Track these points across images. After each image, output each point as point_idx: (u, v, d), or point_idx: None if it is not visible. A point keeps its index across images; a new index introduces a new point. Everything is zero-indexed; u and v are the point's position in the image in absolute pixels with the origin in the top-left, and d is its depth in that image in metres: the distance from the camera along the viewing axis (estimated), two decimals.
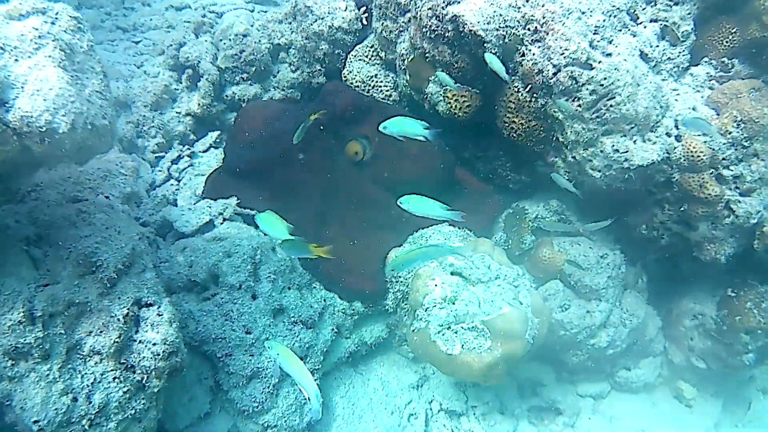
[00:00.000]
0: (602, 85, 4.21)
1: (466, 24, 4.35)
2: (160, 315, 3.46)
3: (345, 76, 5.88)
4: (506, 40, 4.42)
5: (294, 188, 5.08)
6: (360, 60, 5.86)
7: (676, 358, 5.65)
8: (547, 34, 4.31)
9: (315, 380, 4.43)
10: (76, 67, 2.86)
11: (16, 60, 2.65)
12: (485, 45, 4.37)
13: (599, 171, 4.45)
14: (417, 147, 4.78)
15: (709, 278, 5.33)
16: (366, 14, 6.02)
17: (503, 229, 5.39)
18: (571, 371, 5.48)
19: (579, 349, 5.17)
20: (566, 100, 4.31)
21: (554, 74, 4.30)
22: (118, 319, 3.27)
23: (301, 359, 4.32)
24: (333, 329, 4.76)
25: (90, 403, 3.17)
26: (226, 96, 6.18)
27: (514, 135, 4.76)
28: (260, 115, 5.62)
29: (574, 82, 4.24)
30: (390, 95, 5.73)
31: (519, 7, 4.40)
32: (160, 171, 5.75)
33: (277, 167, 5.19)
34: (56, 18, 2.86)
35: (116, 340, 3.24)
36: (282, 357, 3.53)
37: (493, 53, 4.37)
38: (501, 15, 4.38)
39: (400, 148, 4.92)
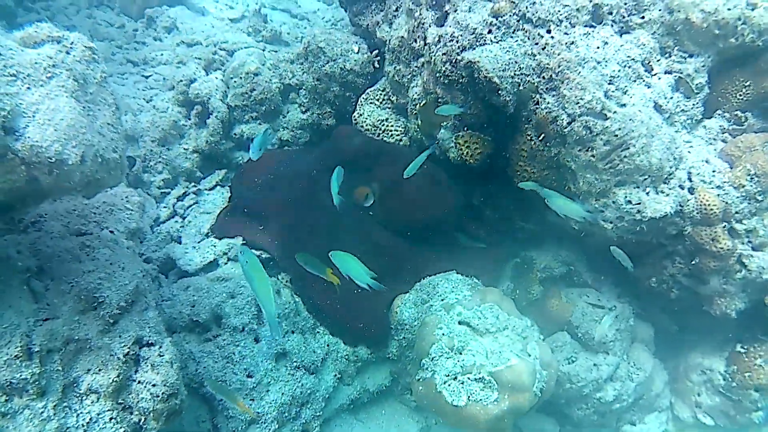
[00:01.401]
0: (616, 135, 4.16)
1: (481, 70, 4.31)
2: (161, 355, 3.38)
3: (355, 119, 5.84)
4: (521, 88, 4.39)
5: (300, 231, 5.02)
6: (371, 103, 5.82)
7: (682, 413, 5.53)
8: (562, 82, 4.28)
9: (315, 427, 4.37)
10: (88, 98, 2.81)
11: (29, 88, 2.59)
12: (499, 92, 4.32)
13: (611, 222, 4.39)
14: (427, 191, 4.78)
15: (718, 333, 5.23)
16: (378, 58, 6.01)
17: (510, 278, 5.32)
18: (576, 425, 5.36)
19: (585, 402, 5.07)
20: (580, 150, 4.26)
21: (569, 123, 4.25)
22: (118, 358, 3.19)
23: (303, 404, 4.26)
24: (336, 375, 4.68)
25: None
26: (235, 134, 6.15)
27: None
28: (267, 158, 5.56)
29: (588, 131, 4.19)
30: (400, 140, 5.67)
31: (534, 55, 4.37)
32: (165, 207, 5.69)
33: (283, 210, 5.13)
34: (71, 47, 2.81)
35: (115, 379, 3.16)
36: (250, 268, 3.38)
37: (507, 100, 4.34)
38: (516, 62, 4.35)
39: (410, 192, 4.92)
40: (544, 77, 4.35)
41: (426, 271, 4.94)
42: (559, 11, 4.40)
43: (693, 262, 4.62)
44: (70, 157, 2.54)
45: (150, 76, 7.00)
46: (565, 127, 4.27)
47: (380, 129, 5.70)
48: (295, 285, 4.88)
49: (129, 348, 3.23)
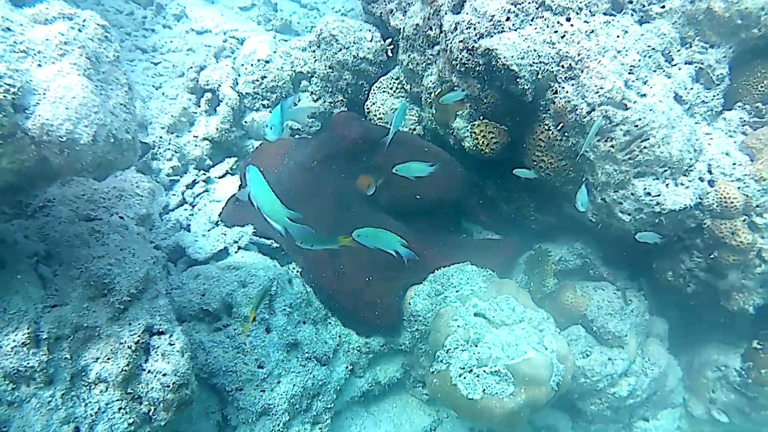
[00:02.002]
0: (637, 126, 4.09)
1: (499, 58, 4.23)
2: (171, 344, 3.30)
3: (368, 108, 5.78)
4: (539, 77, 4.30)
5: (306, 222, 4.93)
6: (384, 92, 5.75)
7: (696, 410, 5.46)
8: (582, 71, 4.20)
9: (326, 419, 4.30)
10: (101, 77, 2.72)
11: (39, 65, 2.50)
12: (518, 80, 4.24)
13: (629, 214, 4.31)
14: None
15: (734, 329, 5.14)
16: (391, 46, 5.96)
17: (524, 271, 5.24)
18: (588, 420, 5.28)
19: (598, 397, 4.99)
20: (599, 140, 4.18)
21: (588, 113, 4.17)
22: (128, 347, 3.11)
23: (314, 396, 4.20)
24: (347, 367, 4.61)
25: None
26: (245, 122, 6.09)
27: (543, 174, 4.63)
28: (275, 147, 5.47)
29: (608, 121, 4.12)
30: (414, 129, 5.60)
31: (554, 43, 4.29)
32: (174, 195, 5.62)
33: (289, 201, 5.04)
34: (83, 25, 2.72)
35: (124, 368, 3.09)
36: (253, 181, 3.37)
37: (525, 89, 4.26)
38: (535, 50, 4.26)
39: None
40: (563, 66, 4.27)
41: (436, 262, 4.86)
42: None
43: (711, 256, 4.54)
44: (81, 137, 2.45)
45: (159, 63, 6.92)
46: (585, 117, 4.19)
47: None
48: (306, 275, 4.81)
49: (139, 336, 3.16)
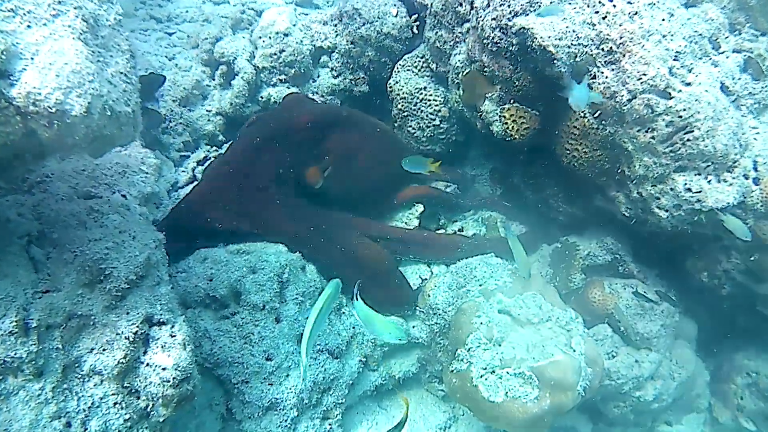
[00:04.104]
0: (681, 116, 3.83)
1: (535, 38, 3.99)
2: (173, 336, 3.08)
3: (391, 87, 5.56)
4: (577, 59, 4.04)
5: (234, 198, 4.70)
6: (408, 70, 5.52)
7: (722, 416, 5.24)
8: (624, 56, 3.94)
9: (337, 414, 4.11)
10: (98, 42, 2.43)
11: (29, 26, 2.21)
12: (554, 62, 3.98)
13: (666, 210, 4.07)
14: (382, 153, 5.02)
15: (766, 334, 4.92)
16: (417, 22, 5.76)
17: (550, 264, 5.01)
18: (610, 423, 5.09)
19: (623, 400, 4.78)
20: (639, 130, 3.92)
21: (629, 101, 3.92)
22: (126, 337, 2.90)
23: (325, 391, 4.02)
24: (360, 360, 4.40)
25: (85, 429, 2.80)
26: (261, 97, 5.90)
27: (575, 164, 4.39)
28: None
29: (650, 111, 3.86)
30: (439, 110, 5.39)
31: (594, 25, 4.02)
32: (184, 171, 5.43)
33: (227, 173, 4.79)
34: None
35: (121, 360, 2.87)
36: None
37: (562, 72, 4.00)
38: (574, 31, 4.01)
39: (365, 159, 5.00)
40: (603, 49, 4.02)
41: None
42: None
43: (751, 258, 4.32)
44: (73, 108, 2.15)
45: (174, 33, 6.72)
46: (625, 105, 3.94)
47: (417, 98, 5.43)
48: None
49: (137, 327, 2.95)
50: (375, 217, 5.12)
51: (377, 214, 5.20)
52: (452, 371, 4.00)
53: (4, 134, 2.16)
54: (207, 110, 5.85)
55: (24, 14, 2.21)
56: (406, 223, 5.09)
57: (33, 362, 2.67)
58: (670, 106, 3.84)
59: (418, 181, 5.39)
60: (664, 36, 3.96)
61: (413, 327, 4.65)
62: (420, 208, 5.14)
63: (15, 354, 2.62)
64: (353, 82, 5.96)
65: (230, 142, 5.20)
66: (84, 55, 2.22)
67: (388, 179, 5.22)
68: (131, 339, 2.90)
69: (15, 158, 2.39)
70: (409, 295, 4.75)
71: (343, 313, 4.51)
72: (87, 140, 2.23)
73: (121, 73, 2.45)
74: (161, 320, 3.09)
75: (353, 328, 4.45)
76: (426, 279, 4.84)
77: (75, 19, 2.29)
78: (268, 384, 3.92)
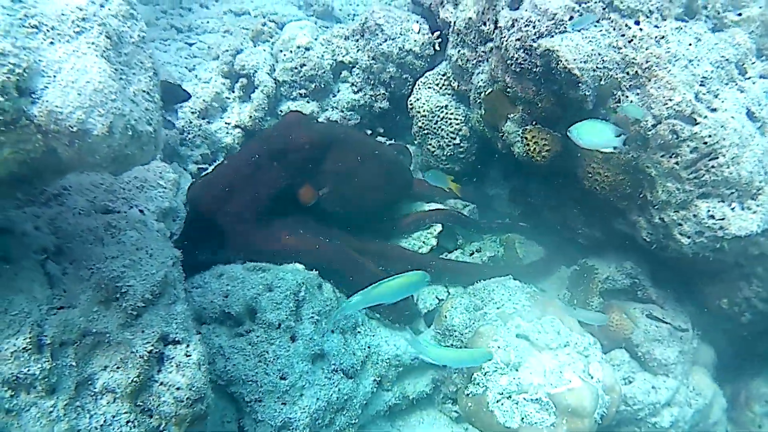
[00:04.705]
0: (706, 143, 3.79)
1: (560, 60, 3.95)
2: (188, 355, 3.03)
3: (411, 104, 5.54)
4: (602, 83, 4.01)
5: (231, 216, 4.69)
6: (430, 88, 5.49)
7: None
8: (649, 80, 3.91)
9: None
10: (122, 60, 2.40)
11: (52, 43, 2.17)
12: (579, 85, 3.95)
13: (688, 237, 4.02)
14: (380, 176, 4.97)
15: None
16: (439, 39, 5.74)
17: (568, 287, 4.97)
18: None
19: (638, 426, 4.72)
20: (663, 155, 3.88)
21: (653, 126, 3.89)
22: (140, 356, 2.85)
23: (338, 411, 3.99)
24: (375, 380, 4.35)
25: None
26: (281, 111, 5.89)
27: (597, 187, 4.35)
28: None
29: (674, 136, 3.83)
30: (460, 129, 5.36)
31: (620, 48, 3.99)
32: None
33: (222, 188, 4.73)
34: (106, 0, 2.42)
35: (135, 378, 2.82)
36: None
37: (586, 95, 3.97)
38: (600, 54, 3.98)
39: (364, 181, 4.93)
40: (628, 73, 4.00)
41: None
42: (650, 1, 4.04)
43: None
44: (95, 128, 2.12)
45: (194, 43, 6.71)
46: (649, 130, 3.92)
47: (438, 116, 5.40)
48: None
49: (152, 345, 2.89)
50: (375, 238, 5.15)
51: (377, 235, 5.20)
52: (468, 395, 3.96)
53: (24, 152, 2.13)
54: (226, 123, 5.83)
55: (47, 30, 2.17)
56: (423, 242, 5.05)
57: (46, 379, 2.62)
58: (695, 132, 3.80)
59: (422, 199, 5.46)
60: (690, 61, 3.92)
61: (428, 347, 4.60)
62: (438, 228, 5.10)
63: (28, 371, 2.56)
64: (373, 98, 5.93)
65: (221, 161, 5.17)
66: (107, 73, 2.18)
67: (387, 201, 5.26)
68: (146, 357, 2.85)
69: (34, 175, 2.36)
70: (410, 306, 4.77)
71: (359, 332, 4.45)
72: (108, 160, 2.20)
73: (144, 91, 2.41)
74: (176, 339, 3.04)
75: (368, 347, 4.39)
76: (442, 300, 4.80)
77: (99, 36, 2.25)
78: (282, 403, 3.87)
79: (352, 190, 4.91)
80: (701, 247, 4.04)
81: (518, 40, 4.22)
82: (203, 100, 5.75)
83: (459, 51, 5.16)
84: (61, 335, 2.70)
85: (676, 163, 3.88)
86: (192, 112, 5.68)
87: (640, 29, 4.02)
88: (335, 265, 4.61)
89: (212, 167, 5.36)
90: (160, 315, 3.01)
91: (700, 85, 3.91)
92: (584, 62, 3.96)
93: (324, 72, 5.83)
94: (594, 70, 3.99)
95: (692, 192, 3.93)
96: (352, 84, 5.98)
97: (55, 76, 2.12)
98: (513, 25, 4.30)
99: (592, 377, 3.95)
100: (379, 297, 3.41)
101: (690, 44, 3.96)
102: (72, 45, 2.21)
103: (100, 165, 2.22)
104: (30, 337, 2.59)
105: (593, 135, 3.72)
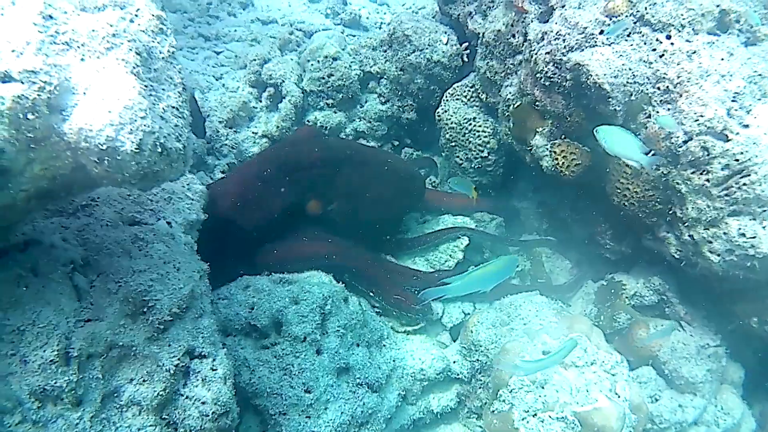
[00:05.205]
0: (737, 160, 3.73)
1: (590, 75, 3.93)
2: (214, 370, 3.04)
3: (439, 116, 5.53)
4: (632, 98, 3.97)
5: (241, 230, 4.73)
6: (457, 99, 5.48)
7: None
8: (681, 96, 3.87)
9: None
10: (151, 76, 2.39)
11: (82, 59, 2.18)
12: (609, 100, 3.91)
13: (718, 255, 3.95)
14: (391, 190, 5.01)
15: None
16: (468, 51, 5.71)
17: (594, 302, 4.92)
18: None
19: None
20: (693, 172, 3.83)
21: (684, 142, 3.84)
22: (167, 369, 2.85)
23: (362, 425, 3.98)
24: (400, 393, 4.32)
25: None
26: (308, 121, 5.88)
27: (626, 203, 4.30)
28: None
29: (705, 153, 3.77)
30: (488, 142, 5.34)
31: (651, 63, 3.96)
32: None
33: (232, 203, 4.78)
34: (136, 15, 2.39)
35: (161, 392, 2.83)
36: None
37: (616, 110, 3.93)
38: (630, 69, 3.95)
39: (375, 196, 4.98)
40: (659, 88, 3.96)
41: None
42: (682, 15, 4.00)
43: None
44: (124, 145, 2.11)
45: (221, 52, 6.73)
46: (680, 146, 3.86)
47: (466, 128, 5.38)
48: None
49: (179, 359, 2.90)
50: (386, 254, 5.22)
51: (387, 251, 5.24)
52: (493, 411, 3.93)
53: (54, 168, 2.13)
54: (253, 132, 5.83)
55: (78, 47, 2.17)
56: (450, 255, 5.03)
57: (72, 391, 2.62)
58: (727, 149, 3.74)
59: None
60: (722, 76, 3.87)
61: (454, 362, 4.57)
62: (465, 241, 5.08)
63: (55, 383, 2.58)
64: (401, 109, 5.93)
65: (231, 172, 5.17)
66: (136, 90, 2.17)
67: (397, 215, 5.33)
68: (172, 371, 2.85)
69: (63, 190, 2.36)
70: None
71: (384, 345, 4.44)
72: (137, 177, 2.19)
73: (173, 107, 2.40)
74: (203, 353, 3.04)
75: (393, 361, 4.38)
76: (469, 314, 4.78)
77: (128, 53, 2.24)
78: (306, 417, 3.85)
79: (361, 206, 4.95)
80: (731, 266, 3.97)
81: (548, 53, 4.20)
82: (230, 110, 5.76)
83: (488, 63, 5.14)
84: (88, 348, 2.71)
85: (707, 180, 3.82)
86: (219, 122, 5.69)
87: (672, 43, 3.98)
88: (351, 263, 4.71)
89: (222, 177, 5.35)
90: (187, 329, 3.01)
91: (733, 100, 3.86)
92: (614, 77, 3.93)
93: (351, 82, 5.83)
94: (624, 85, 3.96)
95: (723, 209, 3.87)
96: (380, 95, 5.98)
97: (85, 93, 2.11)
98: (542, 38, 4.28)
99: (618, 396, 3.90)
100: (477, 283, 3.72)
101: (722, 59, 3.92)
102: (102, 61, 2.20)
103: (129, 182, 2.21)
104: (57, 350, 2.61)
105: (619, 142, 3.69)
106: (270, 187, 4.70)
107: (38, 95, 2.01)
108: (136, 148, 2.13)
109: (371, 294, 4.74)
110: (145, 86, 2.27)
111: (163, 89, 2.42)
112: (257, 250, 4.64)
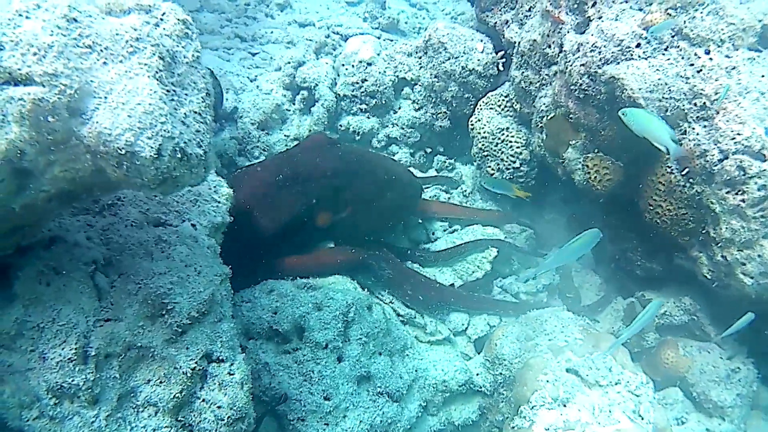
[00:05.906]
0: None
1: (625, 88, 3.87)
2: (231, 374, 3.03)
3: (472, 124, 5.49)
4: (668, 113, 3.90)
5: (251, 234, 4.66)
6: (491, 108, 5.43)
7: None
8: (718, 113, 3.79)
9: None
10: (174, 80, 2.37)
11: (105, 63, 2.16)
12: None
13: (752, 277, 3.87)
14: (399, 200, 5.08)
15: None
16: (503, 59, 5.66)
17: (622, 319, 4.85)
18: None
19: None
20: (728, 192, 3.74)
21: (720, 160, 3.75)
22: (184, 372, 2.85)
23: None
24: (420, 404, 4.29)
25: None
26: (340, 126, 5.87)
27: (658, 220, 4.23)
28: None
29: (741, 172, 3.69)
30: (520, 153, 5.29)
31: (688, 78, 3.88)
32: None
33: (244, 207, 4.71)
34: (161, 19, 2.37)
35: (177, 394, 2.82)
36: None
37: None
38: (666, 84, 3.88)
39: (383, 206, 5.02)
40: (696, 104, 3.88)
41: None
42: (722, 30, 3.92)
43: None
44: (143, 150, 2.09)
45: (257, 53, 6.72)
46: (715, 164, 3.78)
47: (499, 138, 5.33)
48: None
49: (196, 362, 2.89)
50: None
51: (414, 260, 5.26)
52: (513, 427, 3.87)
53: (73, 170, 2.13)
54: (285, 135, 5.82)
55: (101, 51, 2.15)
56: (478, 266, 4.98)
57: (89, 389, 2.63)
58: (764, 169, 3.66)
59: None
60: (762, 93, 3.79)
61: (477, 375, 4.52)
62: (493, 252, 5.03)
63: (72, 380, 2.59)
64: (434, 117, 5.90)
65: (241, 175, 5.01)
66: (158, 95, 2.15)
67: (397, 223, 5.37)
68: (189, 374, 2.85)
69: (84, 191, 2.36)
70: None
71: (407, 355, 4.40)
72: (156, 182, 2.18)
73: (195, 112, 2.38)
74: (221, 357, 3.03)
75: (416, 371, 4.34)
76: (494, 326, 4.73)
77: (152, 57, 2.23)
78: (324, 423, 3.83)
79: (370, 214, 4.97)
80: (765, 288, 3.89)
81: (583, 65, 4.15)
82: (263, 112, 5.74)
83: (522, 73, 5.10)
84: (107, 347, 2.72)
85: (743, 200, 3.74)
86: (252, 123, 5.68)
87: (710, 59, 3.91)
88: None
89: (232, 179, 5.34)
90: (206, 333, 3.00)
91: None
92: (650, 91, 3.87)
93: (385, 88, 5.81)
94: (660, 100, 3.89)
95: (758, 231, 3.78)
96: (414, 101, 5.96)
97: (106, 97, 2.10)
98: (578, 50, 4.22)
99: (642, 418, 3.83)
100: (566, 256, 4.10)
101: (763, 76, 3.84)
102: (124, 65, 2.19)
103: (148, 186, 2.20)
104: (76, 348, 2.62)
105: (648, 124, 3.61)
106: (281, 194, 4.68)
107: (58, 98, 2.01)
108: (155, 153, 2.12)
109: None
110: (167, 91, 2.25)
111: (186, 94, 2.40)
112: (276, 258, 4.63)
